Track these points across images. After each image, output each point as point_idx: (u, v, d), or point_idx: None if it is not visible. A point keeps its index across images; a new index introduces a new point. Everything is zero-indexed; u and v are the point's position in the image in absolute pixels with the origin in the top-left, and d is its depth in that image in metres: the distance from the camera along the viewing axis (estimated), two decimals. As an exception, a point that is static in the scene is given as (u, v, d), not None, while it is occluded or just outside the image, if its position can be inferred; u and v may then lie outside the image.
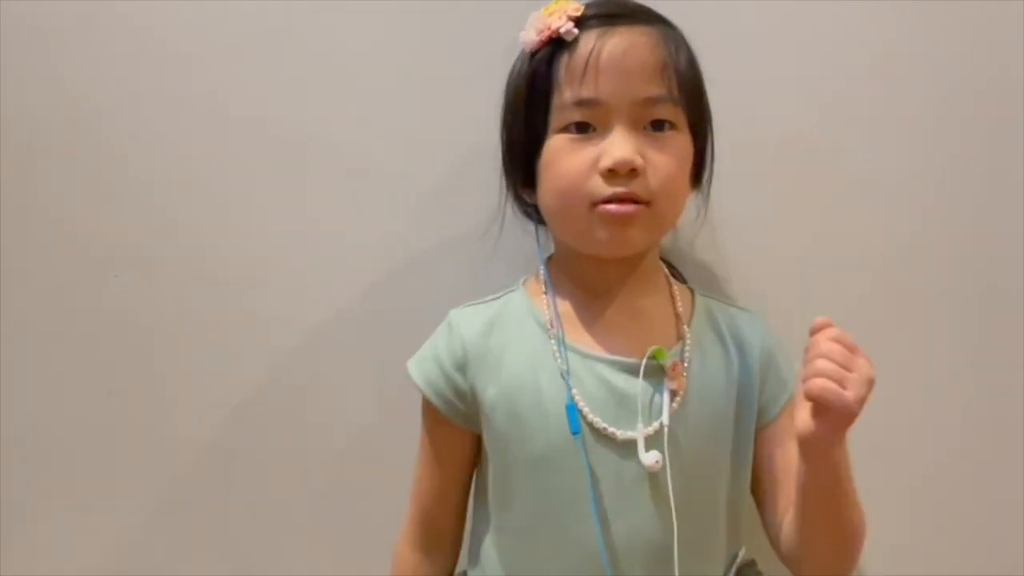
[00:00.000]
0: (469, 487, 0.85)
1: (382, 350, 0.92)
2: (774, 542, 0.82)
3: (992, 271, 0.93)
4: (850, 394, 0.64)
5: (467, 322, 0.81)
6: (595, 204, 0.74)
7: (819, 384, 0.64)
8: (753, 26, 0.92)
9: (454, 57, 0.93)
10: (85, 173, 0.95)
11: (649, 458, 0.74)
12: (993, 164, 0.92)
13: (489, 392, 0.78)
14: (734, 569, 0.81)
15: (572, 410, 0.74)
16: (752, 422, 0.81)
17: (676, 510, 0.74)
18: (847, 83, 0.92)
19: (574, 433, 0.74)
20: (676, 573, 0.74)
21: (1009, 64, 0.91)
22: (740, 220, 0.93)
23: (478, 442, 0.82)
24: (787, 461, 0.82)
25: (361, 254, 0.95)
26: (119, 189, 0.95)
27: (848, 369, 0.64)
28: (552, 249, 0.85)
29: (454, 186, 0.94)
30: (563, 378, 0.76)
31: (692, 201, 0.84)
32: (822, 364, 0.64)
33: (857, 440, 0.93)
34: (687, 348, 0.79)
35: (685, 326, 0.80)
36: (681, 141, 0.77)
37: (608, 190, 0.73)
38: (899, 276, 0.93)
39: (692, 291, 0.85)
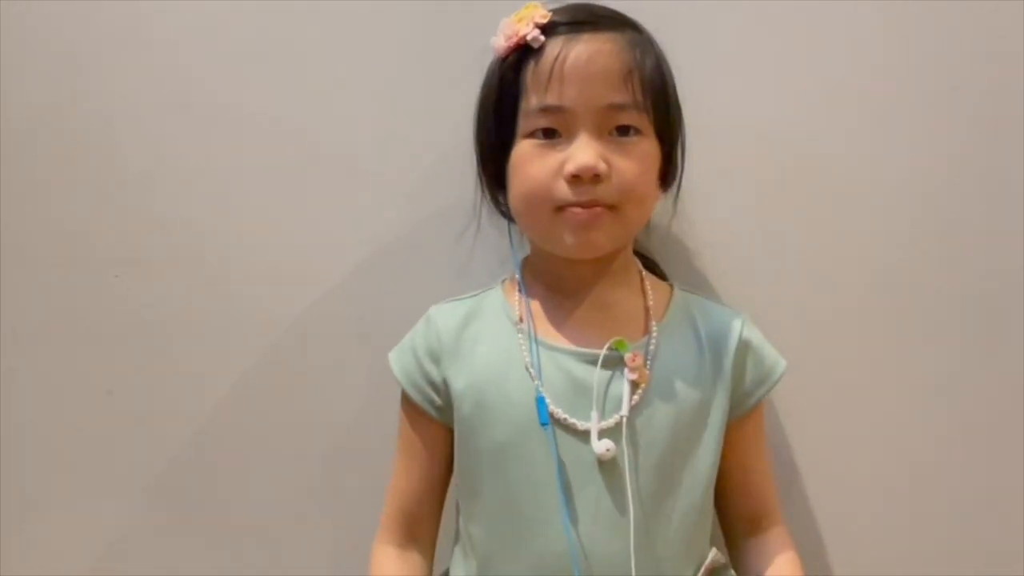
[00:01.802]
0: (445, 484, 0.85)
1: (368, 348, 0.92)
2: (728, 542, 0.85)
3: (986, 265, 0.92)
4: None
5: (444, 316, 0.83)
6: (560, 208, 0.75)
7: None
8: (736, 23, 0.92)
9: (437, 59, 0.93)
10: (85, 173, 0.95)
11: (600, 446, 0.74)
12: (990, 160, 0.92)
13: (459, 383, 0.79)
14: (703, 571, 0.79)
15: (542, 402, 0.75)
16: (724, 420, 0.80)
17: (635, 502, 0.74)
18: (833, 80, 0.92)
19: (543, 424, 0.75)
20: (632, 566, 0.73)
21: (1007, 62, 0.91)
22: (718, 219, 0.93)
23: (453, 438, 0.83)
24: (755, 461, 0.84)
25: (343, 253, 0.96)
26: (119, 189, 0.95)
27: None
28: (528, 249, 0.86)
29: (434, 186, 0.94)
30: (528, 370, 0.77)
31: (665, 202, 0.85)
32: None
33: (856, 440, 0.94)
34: (652, 341, 0.79)
35: (653, 321, 0.80)
36: (647, 146, 0.77)
37: (572, 196, 0.75)
38: (890, 273, 0.93)
39: (671, 287, 0.85)
